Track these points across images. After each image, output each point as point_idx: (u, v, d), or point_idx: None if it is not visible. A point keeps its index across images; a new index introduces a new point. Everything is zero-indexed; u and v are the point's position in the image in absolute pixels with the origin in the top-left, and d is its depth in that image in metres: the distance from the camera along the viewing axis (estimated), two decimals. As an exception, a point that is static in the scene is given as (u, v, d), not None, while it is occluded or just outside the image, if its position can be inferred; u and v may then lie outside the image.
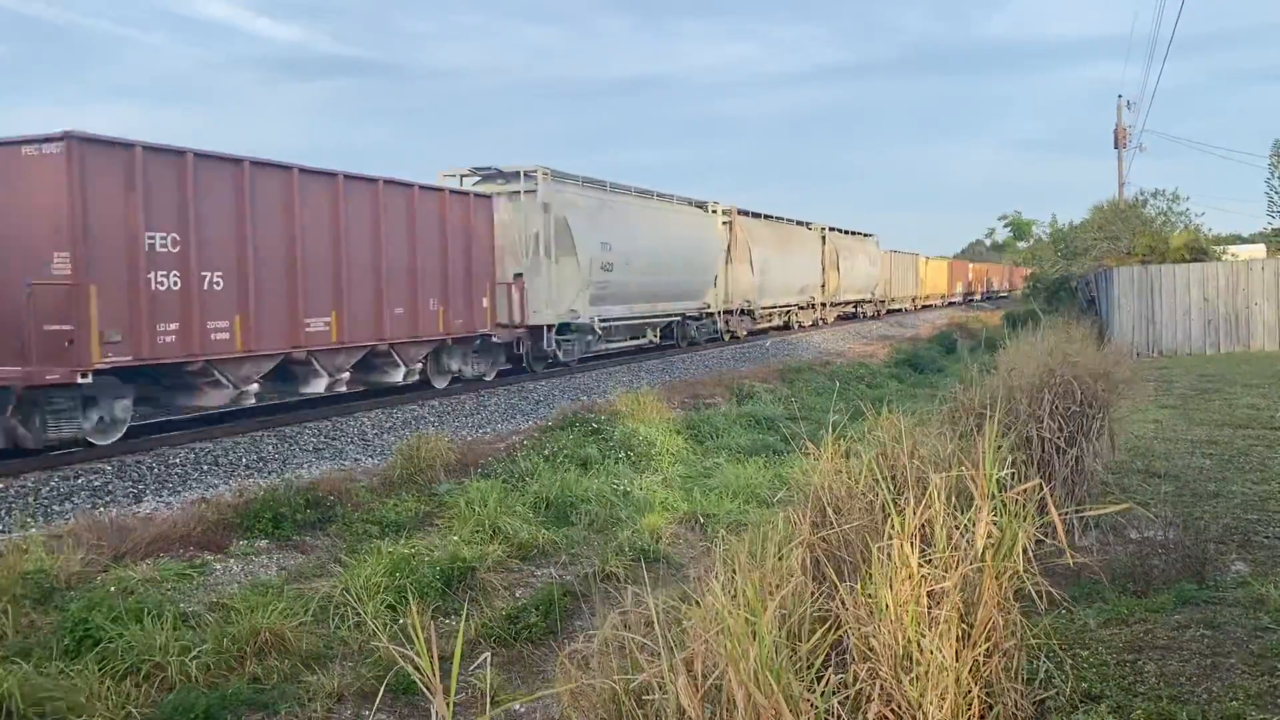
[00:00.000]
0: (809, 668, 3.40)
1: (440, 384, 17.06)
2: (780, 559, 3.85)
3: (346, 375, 14.59)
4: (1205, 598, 5.63)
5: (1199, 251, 30.50)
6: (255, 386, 13.03)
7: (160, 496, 9.87)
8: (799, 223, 36.68)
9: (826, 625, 3.60)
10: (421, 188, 16.04)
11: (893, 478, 4.49)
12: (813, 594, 3.74)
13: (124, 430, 11.56)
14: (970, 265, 79.16)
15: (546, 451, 11.26)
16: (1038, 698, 4.09)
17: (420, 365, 16.26)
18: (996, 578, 3.76)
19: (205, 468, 11.04)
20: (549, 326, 19.70)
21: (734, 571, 3.59)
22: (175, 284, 11.66)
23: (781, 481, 9.46)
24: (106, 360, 10.76)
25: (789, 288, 34.32)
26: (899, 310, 51.97)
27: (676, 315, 26.31)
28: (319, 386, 14.03)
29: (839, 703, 3.35)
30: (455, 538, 8.14)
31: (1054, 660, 4.44)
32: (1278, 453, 10.13)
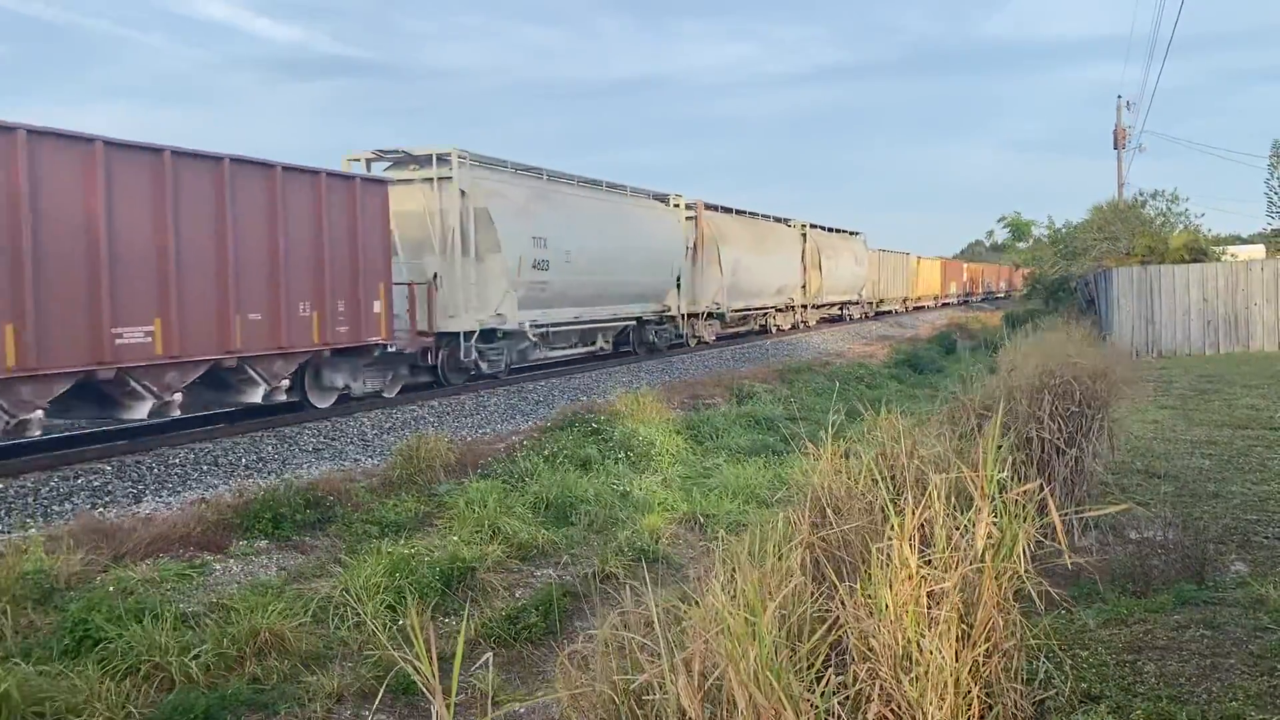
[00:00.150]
0: (809, 668, 3.40)
1: (323, 403, 14.56)
2: (780, 559, 3.85)
3: (179, 397, 11.92)
4: (1205, 598, 5.63)
5: (1198, 252, 30.52)
6: (39, 414, 10.28)
7: (160, 497, 9.87)
8: (777, 219, 34.60)
9: (826, 625, 3.60)
10: (286, 169, 13.18)
11: (892, 478, 4.49)
12: (812, 594, 3.74)
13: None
14: (965, 265, 76.88)
15: (546, 452, 11.26)
16: (1037, 698, 4.10)
17: (288, 382, 13.49)
18: (996, 578, 3.76)
19: (205, 468, 11.04)
20: (467, 334, 17.24)
21: (734, 572, 3.59)
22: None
23: (781, 482, 9.47)
24: None
25: (764, 288, 31.92)
26: (889, 312, 49.83)
27: (631, 319, 23.75)
28: (140, 411, 11.49)
29: (839, 703, 3.35)
30: (455, 538, 8.15)
31: (1054, 661, 4.44)
32: (1277, 453, 10.13)
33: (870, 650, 3.54)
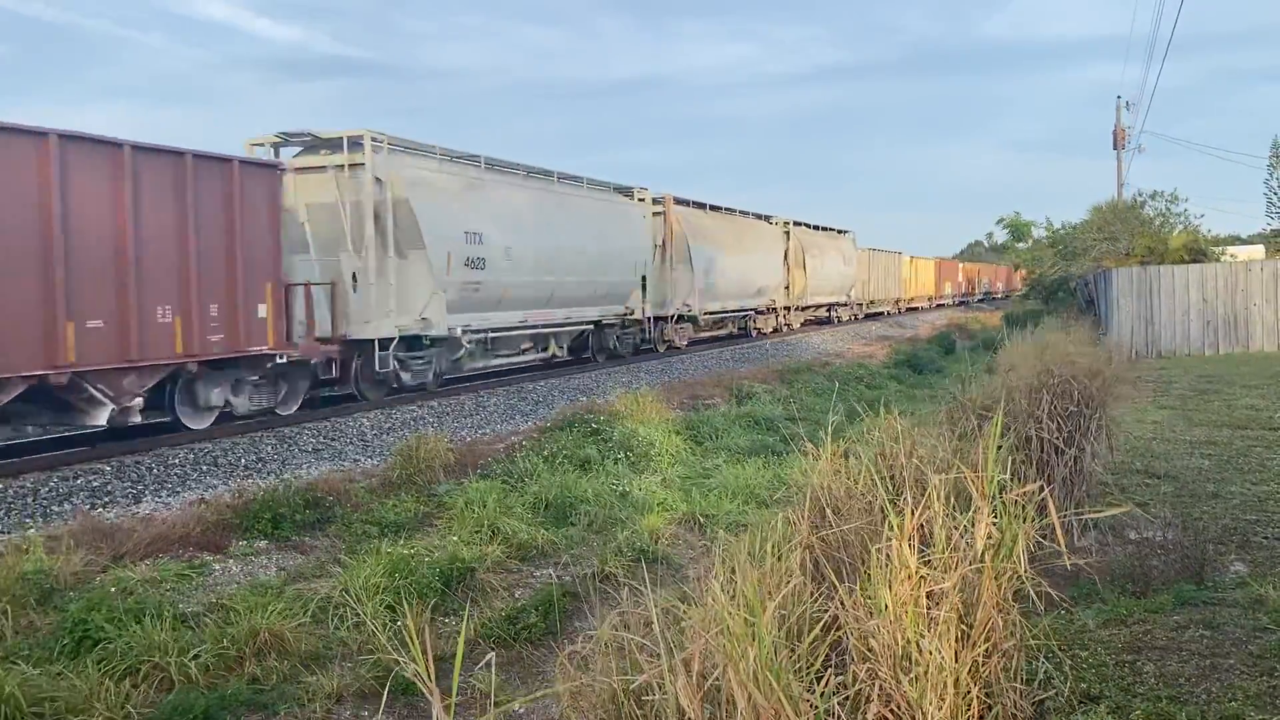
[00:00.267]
0: (808, 668, 3.40)
1: (199, 424, 12.47)
2: (779, 559, 3.86)
3: None
4: (1204, 598, 5.63)
5: (1198, 252, 30.54)
6: None
7: (159, 497, 9.87)
8: (757, 215, 32.80)
9: (826, 626, 3.60)
10: (137, 148, 11.12)
11: (892, 478, 4.50)
12: (812, 594, 3.74)
13: None
14: (961, 265, 74.92)
15: (546, 452, 11.26)
16: (1037, 698, 4.10)
17: (141, 400, 11.41)
18: (996, 578, 3.76)
19: (204, 468, 11.04)
20: (384, 341, 15.21)
21: (733, 572, 3.59)
22: None
23: (781, 482, 9.48)
24: None
25: (743, 289, 30.00)
26: (881, 314, 48.25)
27: (588, 323, 21.69)
28: None
29: (838, 703, 3.35)
30: (454, 538, 8.15)
31: (1053, 661, 4.44)
32: (1277, 453, 10.13)
33: (870, 650, 3.54)
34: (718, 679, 3.21)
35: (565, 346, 21.43)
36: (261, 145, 15.61)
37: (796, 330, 35.02)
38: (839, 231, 41.49)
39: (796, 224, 35.37)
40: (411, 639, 2.85)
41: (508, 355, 19.59)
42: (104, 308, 10.75)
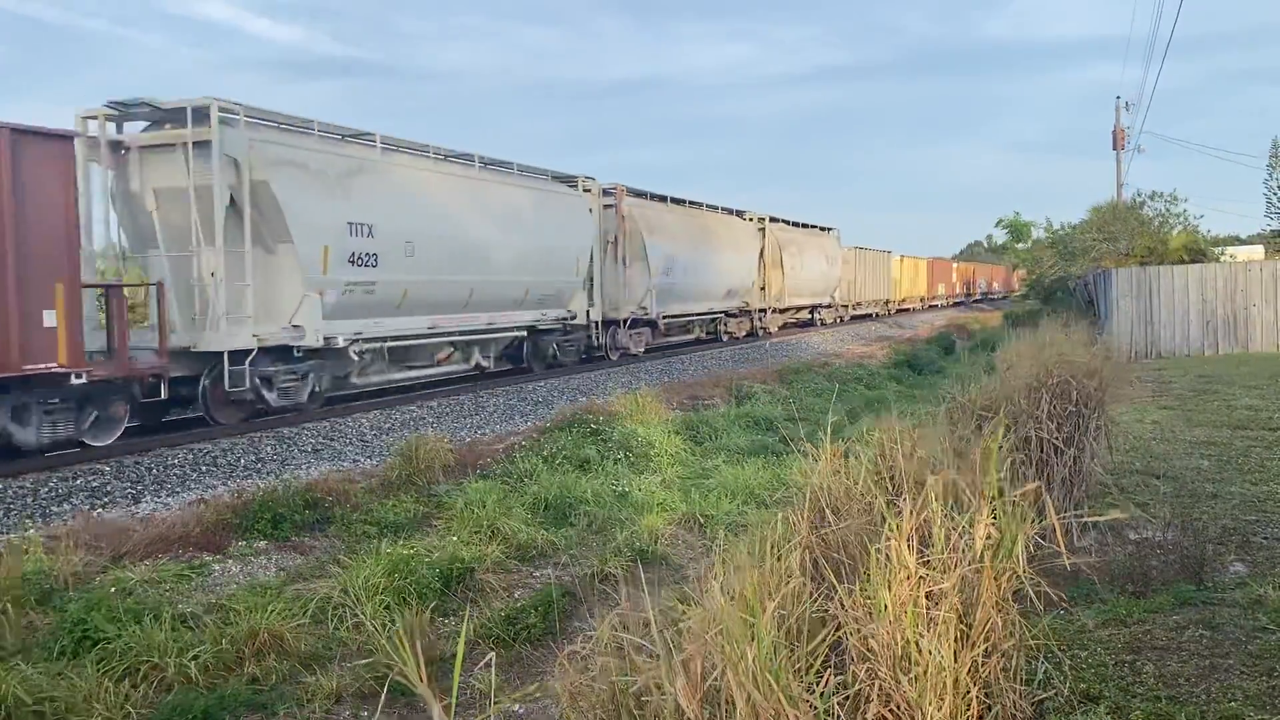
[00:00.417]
0: (808, 669, 3.40)
1: None
2: (779, 559, 3.86)
3: None
4: (1204, 598, 5.63)
5: (1197, 253, 30.56)
6: None
7: (159, 497, 9.87)
8: (726, 210, 30.31)
9: (826, 626, 3.60)
10: None
11: (891, 479, 4.50)
12: (811, 595, 3.74)
13: None
14: (955, 265, 71.90)
15: (545, 452, 11.27)
16: (1036, 698, 4.10)
17: None
18: (995, 579, 3.77)
19: (204, 469, 11.04)
20: (238, 354, 12.65)
21: (733, 572, 3.59)
22: None
23: (780, 482, 9.48)
24: None
25: (710, 290, 27.75)
26: (868, 316, 45.83)
27: (520, 328, 19.31)
28: None
29: (838, 703, 3.35)
30: (454, 539, 8.15)
31: (1053, 661, 4.45)
32: (1276, 454, 10.13)
33: (869, 650, 3.54)
34: (717, 679, 3.21)
35: (493, 356, 18.87)
36: (94, 117, 12.93)
37: (774, 334, 32.89)
38: (822, 229, 39.14)
39: (773, 220, 33.37)
40: (401, 643, 2.84)
41: (422, 367, 17.04)
42: None
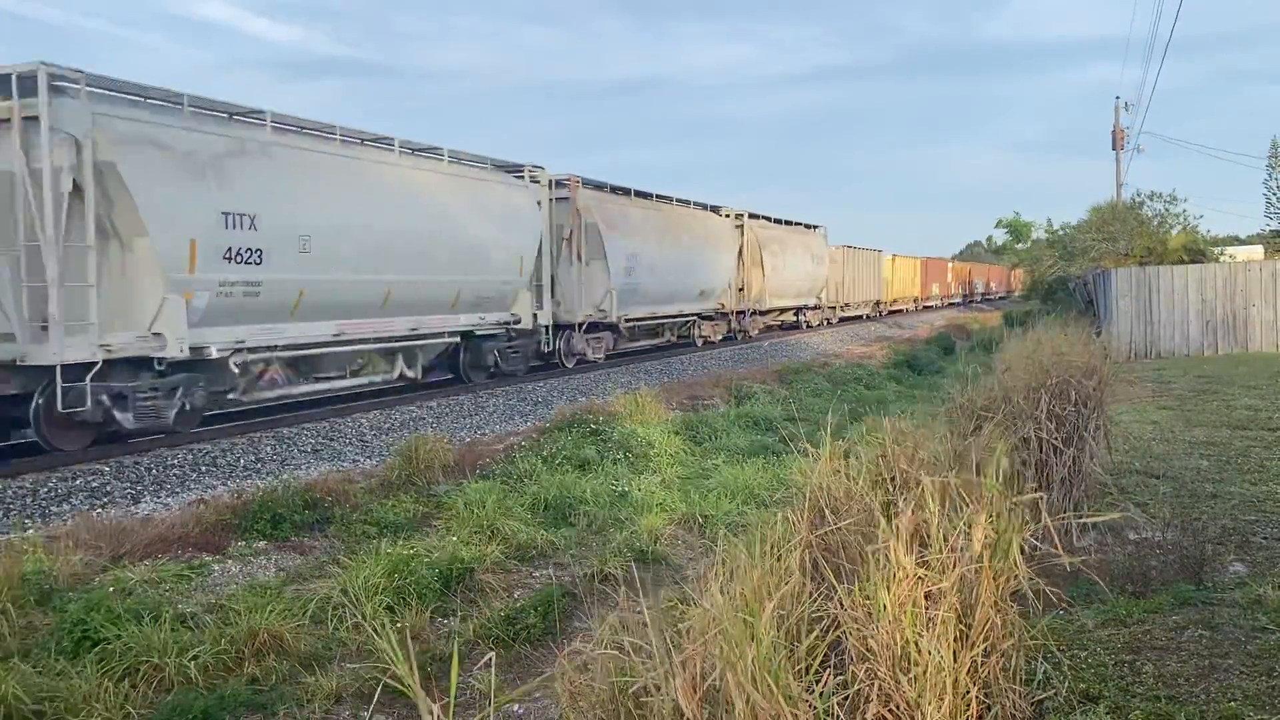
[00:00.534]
0: (807, 670, 3.40)
1: None
2: (779, 560, 3.86)
3: None
4: (1203, 598, 5.64)
5: (1197, 253, 30.59)
6: None
7: (158, 498, 9.88)
8: (699, 204, 28.36)
9: (825, 626, 3.61)
10: None
11: (892, 479, 4.50)
12: (811, 595, 3.75)
13: None
14: (950, 265, 69.48)
15: (545, 452, 11.27)
16: (1036, 698, 4.10)
17: None
18: (994, 579, 3.77)
19: (203, 469, 11.04)
20: (76, 369, 10.70)
21: (732, 572, 3.60)
22: None
23: (780, 482, 9.49)
24: None
25: (680, 291, 25.86)
26: (857, 318, 44.11)
27: (454, 334, 17.27)
28: None
29: (838, 703, 3.35)
30: (454, 539, 8.15)
31: (1052, 661, 4.45)
32: (1276, 454, 10.14)
33: (869, 650, 3.54)
34: (716, 680, 3.21)
35: (421, 365, 16.77)
36: None
37: (754, 338, 31.29)
38: (807, 226, 37.02)
39: (753, 216, 31.51)
40: (394, 649, 2.83)
41: (334, 378, 15.02)
42: None
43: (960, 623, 3.62)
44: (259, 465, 11.42)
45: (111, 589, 6.55)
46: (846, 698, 3.42)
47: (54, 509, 9.22)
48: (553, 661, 3.95)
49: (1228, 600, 5.61)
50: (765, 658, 3.17)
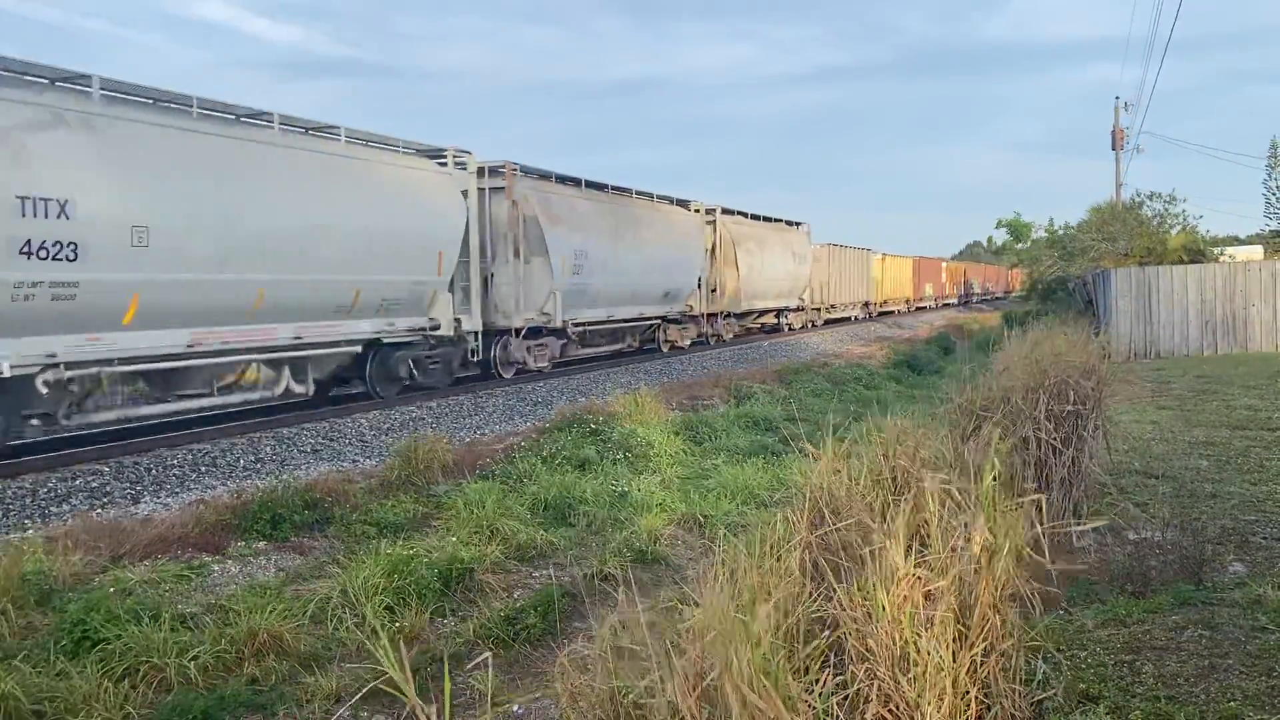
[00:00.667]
0: (807, 670, 3.40)
1: None
2: (778, 560, 3.86)
3: None
4: (1203, 598, 5.64)
5: (1196, 253, 30.58)
6: None
7: (158, 498, 9.87)
8: (661, 198, 25.78)
9: (825, 626, 3.61)
10: None
11: (892, 479, 4.50)
12: (811, 595, 3.75)
13: None
14: (945, 264, 67.19)
15: (545, 453, 11.27)
16: (1035, 698, 4.10)
17: None
18: (992, 579, 3.77)
19: (203, 469, 11.04)
20: None
21: (732, 573, 3.59)
22: None
23: (780, 483, 9.49)
24: None
25: (641, 292, 23.54)
26: (845, 320, 42.05)
27: (354, 343, 14.96)
28: None
29: (837, 704, 3.35)
30: (453, 539, 8.14)
31: (1051, 661, 4.45)
32: (1275, 454, 10.14)
33: (868, 651, 3.54)
34: (714, 680, 3.21)
35: (312, 379, 14.58)
36: None
37: (728, 342, 29.34)
38: (789, 223, 34.72)
39: (726, 211, 29.43)
40: (388, 655, 2.82)
41: (196, 397, 12.93)
42: None
43: (959, 623, 3.62)
44: (259, 465, 11.42)
45: (111, 589, 6.55)
46: (846, 698, 3.42)
47: (54, 509, 9.22)
48: (553, 661, 3.95)
49: (1227, 600, 5.61)
50: (763, 659, 3.17)
